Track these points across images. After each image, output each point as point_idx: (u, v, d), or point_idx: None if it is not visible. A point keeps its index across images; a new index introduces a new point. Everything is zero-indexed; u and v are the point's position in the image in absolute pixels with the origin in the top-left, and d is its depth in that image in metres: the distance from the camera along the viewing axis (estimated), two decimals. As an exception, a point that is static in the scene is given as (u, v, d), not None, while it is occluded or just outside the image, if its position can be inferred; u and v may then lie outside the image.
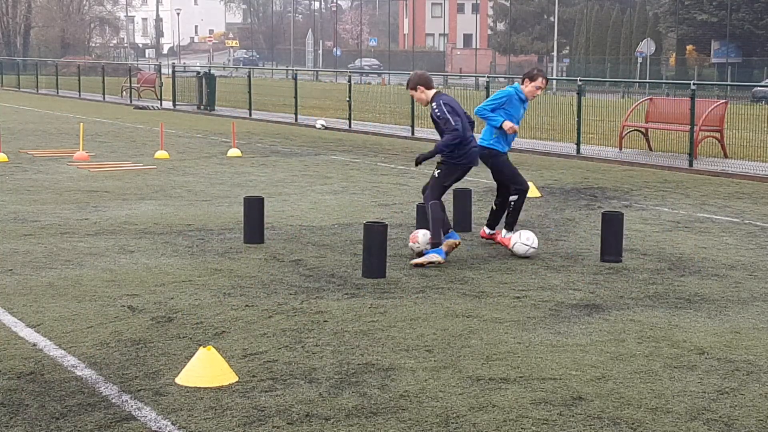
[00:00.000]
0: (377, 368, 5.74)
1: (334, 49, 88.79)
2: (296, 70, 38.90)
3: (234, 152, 18.26)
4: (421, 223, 9.33)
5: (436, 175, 8.83)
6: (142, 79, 39.88)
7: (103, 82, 39.13)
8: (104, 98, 38.41)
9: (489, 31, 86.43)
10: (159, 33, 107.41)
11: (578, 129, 19.48)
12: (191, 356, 5.63)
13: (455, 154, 8.72)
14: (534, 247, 9.05)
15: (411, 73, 9.47)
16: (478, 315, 6.99)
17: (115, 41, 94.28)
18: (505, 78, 56.97)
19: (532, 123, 23.96)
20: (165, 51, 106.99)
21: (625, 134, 19.89)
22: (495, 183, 9.73)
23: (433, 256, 8.56)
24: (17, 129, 23.50)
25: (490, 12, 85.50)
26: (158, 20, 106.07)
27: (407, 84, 8.96)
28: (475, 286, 7.91)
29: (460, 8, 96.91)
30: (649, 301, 7.52)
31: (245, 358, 5.90)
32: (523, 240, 9.06)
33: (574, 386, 5.47)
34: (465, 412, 5.05)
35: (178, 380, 5.45)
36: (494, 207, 9.76)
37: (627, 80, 50.18)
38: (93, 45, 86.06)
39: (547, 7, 74.12)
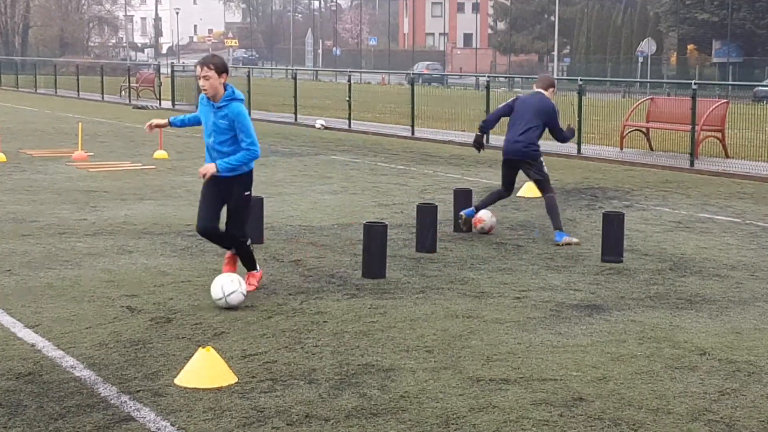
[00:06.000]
0: (377, 369, 5.72)
1: (334, 49, 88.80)
2: (296, 69, 38.87)
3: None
4: (422, 224, 9.30)
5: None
6: (141, 78, 39.85)
7: (102, 81, 39.09)
8: (103, 98, 38.38)
9: (489, 31, 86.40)
10: (158, 32, 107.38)
11: (579, 129, 19.45)
12: (190, 357, 5.61)
13: None
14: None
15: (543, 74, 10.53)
16: (478, 315, 6.97)
17: (113, 41, 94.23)
18: (505, 77, 57.05)
19: (532, 122, 23.91)
20: (164, 50, 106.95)
21: (626, 134, 19.88)
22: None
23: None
24: (16, 129, 23.47)
25: (491, 11, 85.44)
26: (157, 19, 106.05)
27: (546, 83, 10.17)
28: (475, 286, 7.89)
29: (461, 7, 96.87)
30: (650, 301, 7.50)
31: (245, 359, 5.88)
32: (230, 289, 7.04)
33: (575, 387, 5.45)
34: (465, 413, 5.03)
35: (177, 381, 5.43)
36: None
37: (628, 80, 50.18)
38: (92, 44, 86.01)
39: (547, 7, 74.12)
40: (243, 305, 7.08)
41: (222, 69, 7.05)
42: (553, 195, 9.97)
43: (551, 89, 10.19)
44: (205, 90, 7.07)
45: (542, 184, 10.06)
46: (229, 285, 6.93)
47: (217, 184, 7.22)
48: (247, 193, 7.35)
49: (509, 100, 10.27)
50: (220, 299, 6.92)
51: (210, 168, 7.12)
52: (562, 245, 9.62)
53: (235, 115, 7.07)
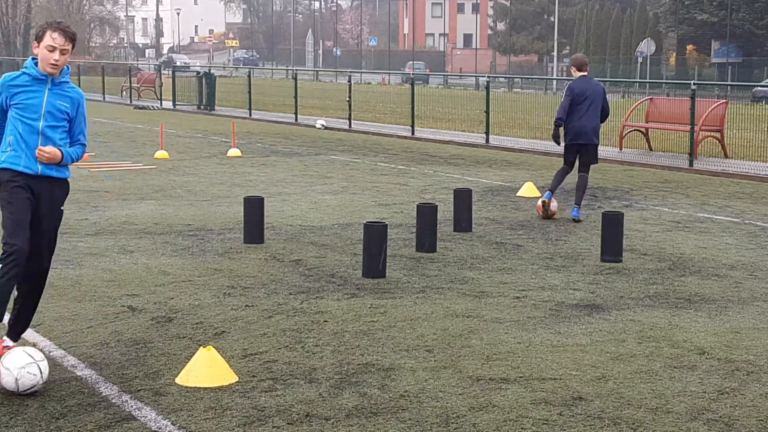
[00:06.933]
0: (377, 368, 5.74)
1: (334, 49, 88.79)
2: (296, 69, 38.87)
3: (234, 152, 18.26)
4: (422, 224, 9.32)
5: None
6: (141, 79, 39.86)
7: (103, 82, 39.12)
8: (104, 98, 38.39)
9: (489, 31, 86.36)
10: (159, 33, 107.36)
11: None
12: (191, 356, 5.63)
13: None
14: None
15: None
16: (478, 315, 6.98)
17: (115, 41, 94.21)
18: (505, 78, 57.02)
19: (532, 123, 23.95)
20: (165, 51, 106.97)
21: (626, 134, 19.89)
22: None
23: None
24: (17, 129, 23.43)
25: (491, 12, 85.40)
26: (158, 20, 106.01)
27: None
28: (475, 286, 7.91)
29: (460, 8, 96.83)
30: (650, 301, 7.52)
31: (245, 358, 5.90)
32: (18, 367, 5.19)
33: (575, 386, 5.47)
34: (465, 412, 5.05)
35: (178, 380, 5.45)
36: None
37: (627, 80, 50.13)
38: (93, 45, 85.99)
39: (547, 7, 74.07)
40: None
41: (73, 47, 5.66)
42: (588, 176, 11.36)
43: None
44: (56, 66, 5.51)
45: (590, 165, 11.28)
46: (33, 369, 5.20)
47: (31, 185, 5.55)
48: (62, 208, 5.79)
49: (566, 91, 11.17)
50: (38, 384, 5.23)
51: (56, 153, 5.55)
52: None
53: (81, 100, 5.71)
